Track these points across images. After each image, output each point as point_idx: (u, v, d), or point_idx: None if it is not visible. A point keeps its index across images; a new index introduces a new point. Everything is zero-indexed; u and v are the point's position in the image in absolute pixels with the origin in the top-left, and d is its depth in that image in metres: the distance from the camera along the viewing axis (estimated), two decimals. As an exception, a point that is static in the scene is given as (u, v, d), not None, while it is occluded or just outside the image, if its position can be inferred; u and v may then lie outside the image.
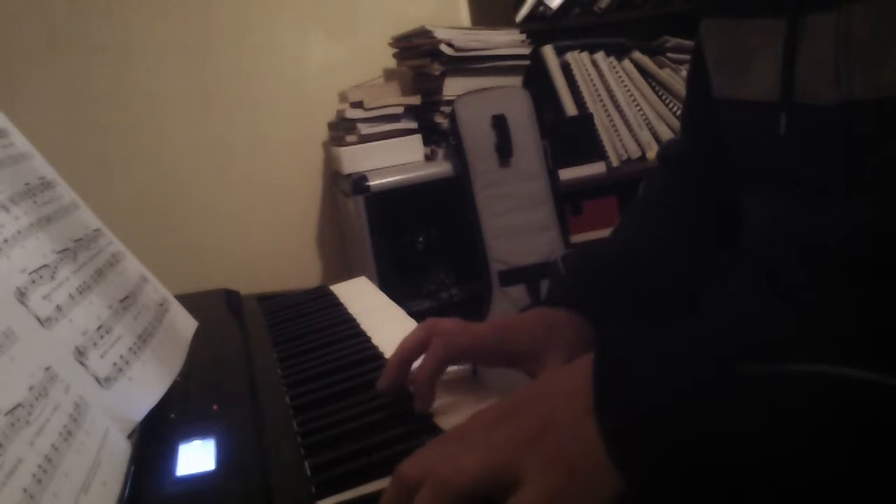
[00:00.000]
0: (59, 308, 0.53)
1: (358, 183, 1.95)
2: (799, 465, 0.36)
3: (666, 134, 2.20)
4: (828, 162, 0.54)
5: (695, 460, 0.37)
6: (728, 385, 0.38)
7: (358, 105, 2.04)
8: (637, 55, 2.23)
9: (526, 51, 2.08)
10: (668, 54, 2.27)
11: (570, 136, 2.13)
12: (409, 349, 0.59)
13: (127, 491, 0.46)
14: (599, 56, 2.20)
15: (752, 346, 0.39)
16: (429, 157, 2.09)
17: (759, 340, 0.39)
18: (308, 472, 0.50)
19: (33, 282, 0.52)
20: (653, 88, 2.23)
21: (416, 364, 0.59)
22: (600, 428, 0.39)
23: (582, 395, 0.40)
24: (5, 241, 0.52)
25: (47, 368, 0.46)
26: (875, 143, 0.50)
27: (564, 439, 0.39)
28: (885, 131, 0.49)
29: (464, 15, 2.38)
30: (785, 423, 0.37)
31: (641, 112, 2.21)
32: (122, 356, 0.56)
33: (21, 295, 0.50)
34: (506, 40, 2.06)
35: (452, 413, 0.57)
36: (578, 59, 2.19)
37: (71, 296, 0.55)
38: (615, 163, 2.16)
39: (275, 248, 2.29)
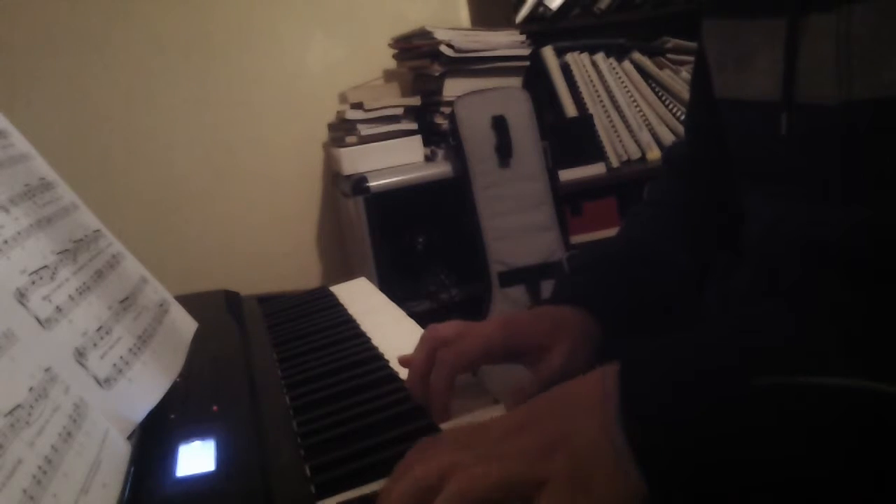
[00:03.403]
0: (58, 309, 0.53)
1: (358, 184, 1.95)
2: (805, 470, 0.37)
3: (666, 135, 2.20)
4: (828, 162, 0.54)
5: (708, 467, 0.38)
6: (742, 397, 0.38)
7: (358, 106, 2.04)
8: (637, 56, 2.23)
9: (526, 52, 2.08)
10: (668, 55, 2.27)
11: (569, 136, 2.13)
12: (422, 366, 0.60)
13: (127, 492, 0.46)
14: (599, 57, 2.20)
15: (763, 358, 0.39)
16: (429, 158, 2.09)
17: (769, 353, 0.40)
18: (308, 472, 0.50)
19: (33, 283, 0.52)
20: (652, 89, 2.23)
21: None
22: (628, 438, 0.39)
23: (597, 410, 0.41)
24: (5, 241, 0.52)
25: (47, 369, 0.46)
26: (876, 143, 0.51)
27: (580, 453, 0.40)
28: (886, 131, 0.49)
29: (463, 16, 2.38)
30: (793, 431, 0.37)
31: (641, 113, 2.21)
32: (121, 357, 0.56)
33: (21, 296, 0.50)
34: (506, 41, 2.06)
35: (452, 412, 0.57)
36: (578, 60, 2.19)
37: (71, 297, 0.55)
38: (615, 164, 2.16)
39: (275, 248, 2.29)
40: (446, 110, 2.05)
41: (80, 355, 0.52)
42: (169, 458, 0.51)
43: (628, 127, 2.19)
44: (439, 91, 2.06)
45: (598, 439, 0.40)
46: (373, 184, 1.95)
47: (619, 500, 0.38)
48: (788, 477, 0.37)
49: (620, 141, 2.18)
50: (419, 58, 2.13)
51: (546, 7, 2.11)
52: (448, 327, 0.62)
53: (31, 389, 0.43)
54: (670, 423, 0.39)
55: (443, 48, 1.98)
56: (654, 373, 0.42)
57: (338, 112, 2.14)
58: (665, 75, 2.24)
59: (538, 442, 0.41)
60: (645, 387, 0.41)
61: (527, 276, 2.02)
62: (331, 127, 2.24)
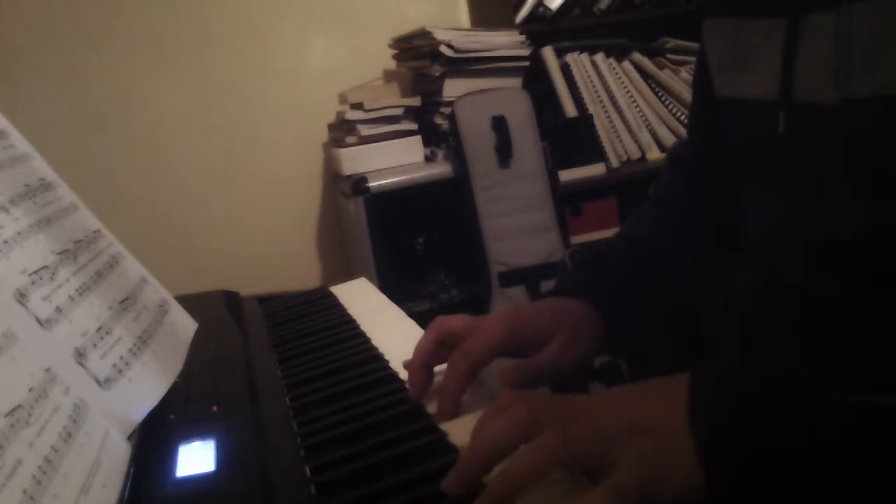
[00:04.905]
0: (58, 309, 0.53)
1: (358, 184, 1.95)
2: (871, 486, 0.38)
3: (666, 135, 2.20)
4: (827, 161, 0.54)
5: (770, 467, 0.39)
6: (812, 412, 0.39)
7: (358, 106, 2.04)
8: (637, 56, 2.23)
9: (526, 52, 2.08)
10: (668, 55, 2.27)
11: (569, 137, 2.12)
12: (427, 352, 0.61)
13: (127, 492, 0.46)
14: (599, 57, 2.20)
15: (834, 375, 0.41)
16: (429, 159, 2.09)
17: (839, 369, 0.41)
18: (308, 473, 0.50)
19: (33, 283, 0.52)
20: (652, 90, 2.23)
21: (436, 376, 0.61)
22: (694, 440, 0.41)
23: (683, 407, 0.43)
24: (5, 242, 0.52)
25: (47, 370, 0.46)
26: (874, 143, 0.51)
27: (664, 441, 0.42)
28: (885, 131, 0.49)
29: (463, 16, 2.38)
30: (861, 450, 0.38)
31: (641, 113, 2.21)
32: (121, 357, 0.56)
33: (21, 296, 0.50)
34: (505, 41, 2.06)
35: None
36: (578, 61, 2.19)
37: (71, 297, 0.55)
38: (615, 164, 2.16)
39: (275, 249, 2.29)
40: (446, 110, 2.05)
41: (80, 355, 0.52)
42: (169, 458, 0.51)
43: (628, 127, 2.19)
44: (439, 91, 2.06)
45: (684, 432, 0.41)
46: (373, 184, 1.95)
47: (689, 495, 0.40)
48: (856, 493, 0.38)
49: (620, 141, 2.18)
50: (419, 58, 2.13)
51: (546, 7, 2.11)
52: (456, 320, 0.63)
53: (31, 389, 0.43)
54: (736, 431, 0.40)
55: (443, 48, 1.98)
56: (725, 384, 0.43)
57: (338, 112, 2.14)
58: (665, 75, 2.23)
59: (633, 422, 0.43)
60: (710, 395, 0.43)
61: (527, 277, 2.01)
62: (331, 127, 2.24)
